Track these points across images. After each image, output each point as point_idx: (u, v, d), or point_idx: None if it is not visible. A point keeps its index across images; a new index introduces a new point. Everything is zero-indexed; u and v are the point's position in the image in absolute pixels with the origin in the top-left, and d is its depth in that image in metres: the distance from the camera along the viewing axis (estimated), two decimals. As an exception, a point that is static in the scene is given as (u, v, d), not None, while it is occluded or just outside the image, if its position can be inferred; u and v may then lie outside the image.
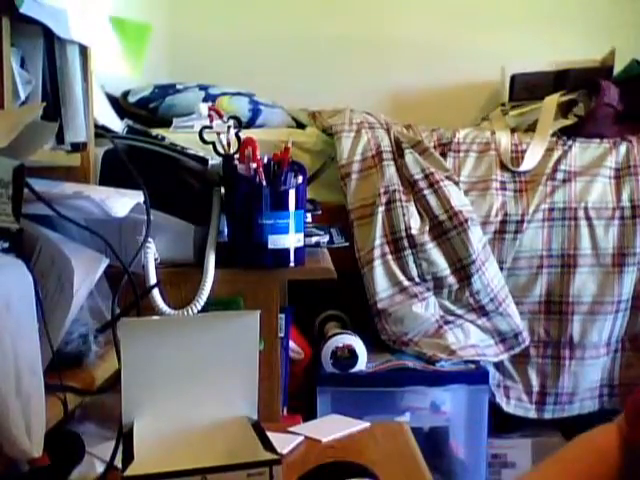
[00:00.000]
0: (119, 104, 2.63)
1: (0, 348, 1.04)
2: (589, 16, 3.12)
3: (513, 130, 2.69)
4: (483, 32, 3.09)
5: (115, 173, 1.77)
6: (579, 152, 2.58)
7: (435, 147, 2.57)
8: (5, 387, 1.04)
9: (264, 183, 1.77)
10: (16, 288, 1.12)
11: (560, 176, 2.54)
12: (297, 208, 1.81)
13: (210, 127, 1.89)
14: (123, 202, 1.47)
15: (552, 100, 2.69)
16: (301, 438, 1.63)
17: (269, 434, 1.26)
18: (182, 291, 1.72)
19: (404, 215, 2.40)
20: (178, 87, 2.72)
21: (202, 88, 2.73)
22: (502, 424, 2.52)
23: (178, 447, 1.26)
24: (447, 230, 2.41)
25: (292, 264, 1.81)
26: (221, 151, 1.86)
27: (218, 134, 1.87)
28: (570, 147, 2.58)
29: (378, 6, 3.13)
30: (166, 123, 2.56)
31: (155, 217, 1.62)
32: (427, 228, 2.42)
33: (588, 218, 2.51)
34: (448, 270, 2.43)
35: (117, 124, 2.20)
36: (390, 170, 2.46)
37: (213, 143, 1.87)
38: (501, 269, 2.49)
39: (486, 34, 3.09)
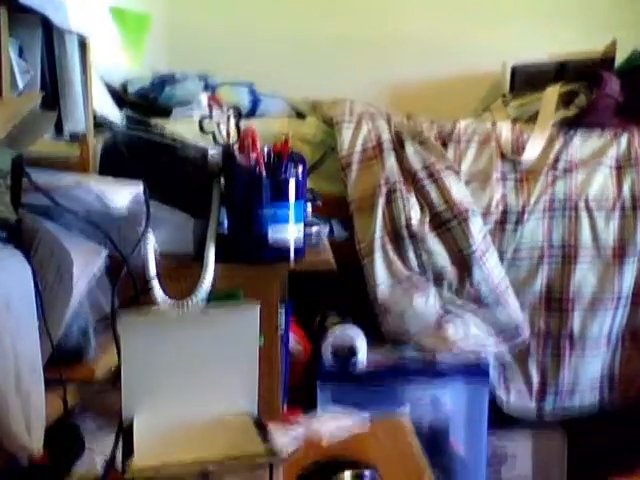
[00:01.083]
0: (118, 94, 2.62)
1: (-1, 342, 1.04)
2: (590, 9, 3.11)
3: (514, 121, 2.68)
4: (484, 26, 3.08)
5: (114, 164, 1.76)
6: (580, 143, 2.57)
7: (436, 138, 2.55)
8: (5, 383, 1.04)
9: (264, 174, 1.76)
10: (15, 279, 1.12)
11: (561, 167, 2.53)
12: (297, 199, 1.80)
13: (210, 117, 1.88)
14: (122, 193, 1.47)
15: (553, 91, 2.68)
16: (301, 433, 1.63)
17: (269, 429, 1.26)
18: (182, 284, 1.71)
19: (404, 206, 2.40)
20: (177, 77, 2.70)
21: (202, 78, 2.72)
22: (502, 419, 2.52)
23: (178, 442, 1.25)
24: (447, 221, 2.40)
25: (292, 255, 1.81)
26: (221, 141, 1.85)
27: (218, 124, 1.86)
28: (571, 138, 2.57)
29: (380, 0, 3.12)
30: (165, 113, 2.54)
31: (154, 208, 1.61)
32: (427, 219, 2.42)
33: (589, 210, 2.51)
34: (448, 261, 2.42)
35: (116, 114, 2.19)
36: (391, 161, 2.45)
37: (213, 133, 1.86)
38: (501, 260, 2.48)
39: (487, 28, 3.07)
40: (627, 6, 3.11)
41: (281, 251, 1.79)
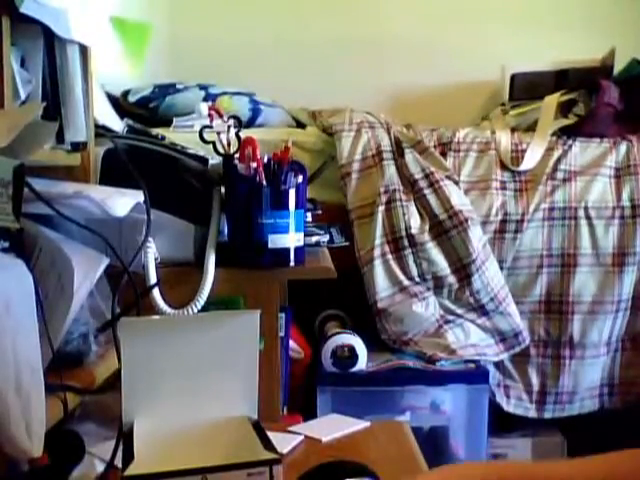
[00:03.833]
0: (119, 103, 2.63)
1: (0, 348, 1.05)
2: (589, 16, 3.12)
3: (513, 130, 2.68)
4: (483, 32, 3.09)
5: (115, 173, 1.77)
6: (579, 152, 2.58)
7: (435, 147, 2.56)
8: (5, 386, 1.04)
9: (264, 183, 1.77)
10: (16, 288, 1.12)
11: (560, 175, 2.54)
12: (297, 207, 1.81)
13: (210, 127, 1.88)
14: (123, 202, 1.47)
15: (552, 99, 2.69)
16: (301, 437, 1.63)
17: (269, 434, 1.26)
18: (182, 291, 1.72)
19: (404, 214, 2.40)
20: (178, 87, 2.72)
21: (202, 88, 2.73)
22: (502, 423, 2.52)
23: (178, 447, 1.26)
24: (447, 229, 2.41)
25: (292, 264, 1.81)
26: (221, 151, 1.86)
27: (218, 134, 1.87)
28: (570, 147, 2.58)
29: (378, 6, 3.12)
30: (166, 123, 2.56)
31: (155, 217, 1.62)
32: (427, 227, 2.42)
33: (588, 217, 2.51)
34: (448, 269, 2.43)
35: (117, 124, 2.20)
36: (390, 170, 2.46)
37: (213, 143, 1.86)
38: (501, 268, 2.49)
39: (486, 34, 3.09)
40: (626, 14, 3.12)
41: (281, 256, 1.80)
